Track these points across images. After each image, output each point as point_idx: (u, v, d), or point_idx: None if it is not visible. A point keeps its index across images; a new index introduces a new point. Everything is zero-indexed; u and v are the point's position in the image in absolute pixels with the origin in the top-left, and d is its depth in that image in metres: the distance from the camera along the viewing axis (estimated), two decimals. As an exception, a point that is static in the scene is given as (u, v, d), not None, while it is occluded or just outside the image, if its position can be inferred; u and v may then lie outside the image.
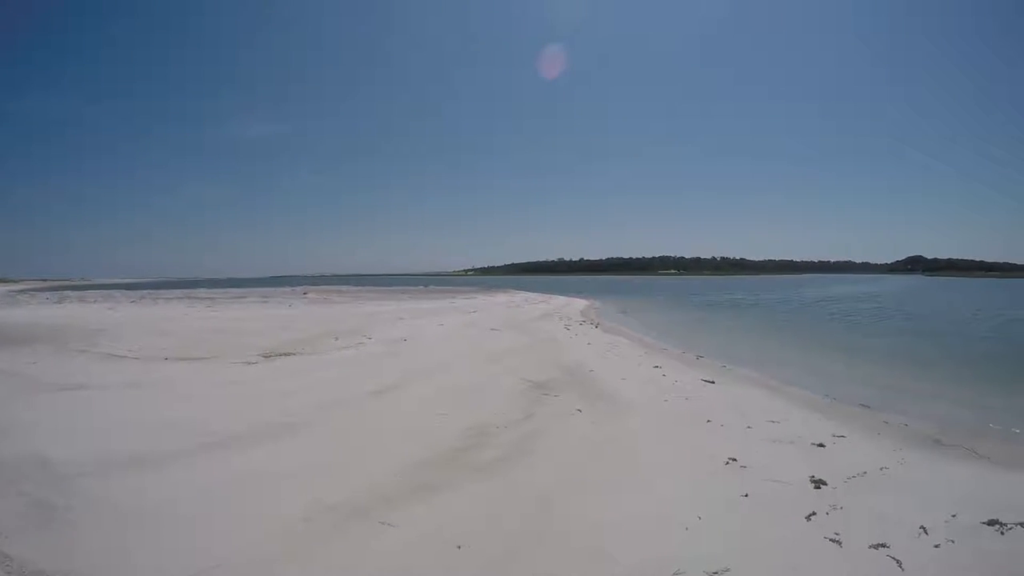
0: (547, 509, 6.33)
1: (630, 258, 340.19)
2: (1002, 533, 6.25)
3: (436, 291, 72.66)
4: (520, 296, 61.57)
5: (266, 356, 16.48)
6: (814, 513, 6.52)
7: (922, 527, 6.25)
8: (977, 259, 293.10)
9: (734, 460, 8.31)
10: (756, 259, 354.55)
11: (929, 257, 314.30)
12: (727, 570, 5.16)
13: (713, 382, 14.79)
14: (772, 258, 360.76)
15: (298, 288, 77.20)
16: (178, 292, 63.33)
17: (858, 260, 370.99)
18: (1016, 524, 6.42)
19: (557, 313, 37.62)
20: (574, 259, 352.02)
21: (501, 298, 56.23)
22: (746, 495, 7.01)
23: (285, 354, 16.81)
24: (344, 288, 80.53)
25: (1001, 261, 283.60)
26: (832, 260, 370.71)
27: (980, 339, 28.14)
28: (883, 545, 5.75)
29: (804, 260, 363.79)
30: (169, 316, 30.14)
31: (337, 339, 20.44)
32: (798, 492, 7.23)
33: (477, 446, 8.54)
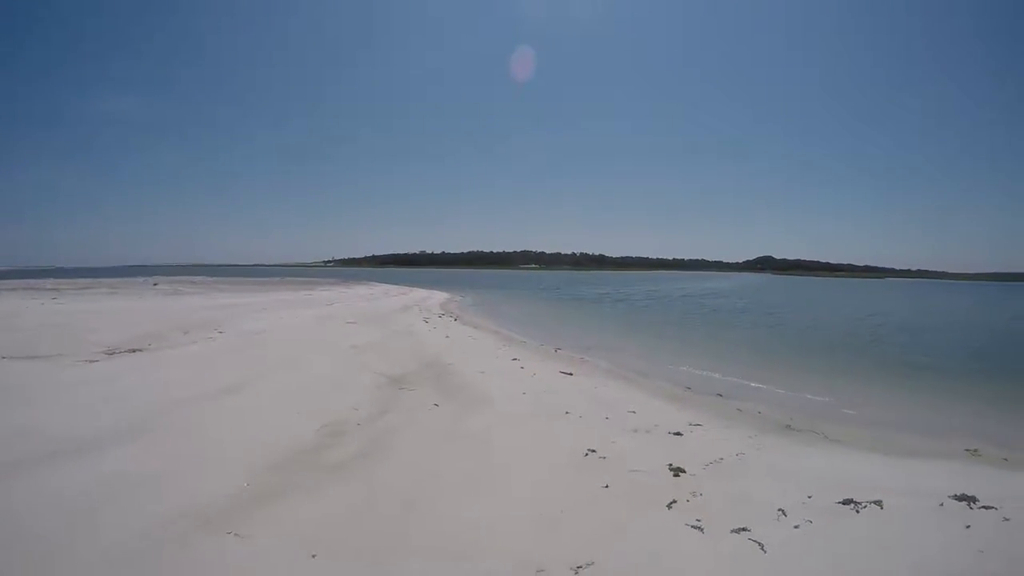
0: (407, 510, 6.09)
1: (492, 252, 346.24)
2: (857, 511, 6.56)
3: (293, 283, 70.31)
4: (380, 288, 61.21)
5: (110, 353, 14.75)
6: (675, 501, 6.56)
7: (781, 510, 6.42)
8: (823, 260, 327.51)
9: (593, 451, 8.28)
10: (615, 255, 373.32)
11: (778, 257, 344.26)
12: (592, 563, 5.01)
13: (571, 374, 15.01)
14: (630, 255, 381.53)
15: (149, 279, 71.20)
16: (19, 283, 55.95)
17: (711, 259, 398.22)
18: (869, 502, 6.79)
19: (416, 306, 37.55)
20: (436, 252, 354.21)
21: (360, 290, 55.51)
22: (607, 486, 6.95)
23: (132, 350, 15.16)
24: (197, 279, 74.97)
25: (845, 263, 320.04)
26: (687, 258, 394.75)
27: (823, 331, 30.86)
28: (744, 529, 5.83)
29: (660, 258, 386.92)
30: (6, 310, 26.53)
31: (187, 333, 18.78)
32: (658, 481, 7.28)
33: (333, 445, 8.20)
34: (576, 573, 4.85)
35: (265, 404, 10.34)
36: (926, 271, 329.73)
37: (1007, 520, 6.47)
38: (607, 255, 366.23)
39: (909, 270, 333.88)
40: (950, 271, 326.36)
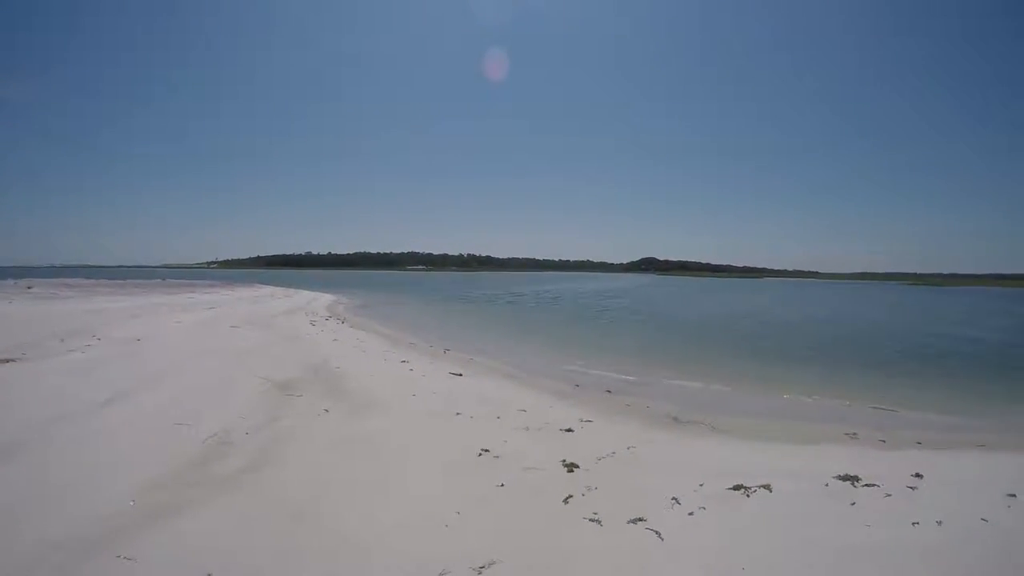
0: (302, 520, 5.88)
1: (379, 253, 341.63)
2: (748, 496, 6.90)
3: (175, 285, 66.48)
4: (265, 291, 59.84)
5: (-23, 365, 13.22)
6: (571, 496, 6.64)
7: (674, 499, 6.64)
8: (704, 261, 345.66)
9: (487, 451, 8.28)
10: (502, 256, 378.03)
11: (661, 259, 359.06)
12: (494, 563, 4.94)
13: (461, 375, 14.96)
14: (517, 256, 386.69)
15: (21, 281, 64.62)
16: None
17: (596, 260, 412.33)
18: (759, 487, 7.16)
19: (303, 308, 37.10)
20: (322, 253, 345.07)
21: (245, 293, 53.97)
22: (502, 485, 6.93)
23: (4, 360, 13.65)
24: (73, 281, 68.95)
25: (725, 264, 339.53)
26: (572, 259, 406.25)
27: (705, 329, 32.46)
28: (641, 519, 5.96)
29: (547, 259, 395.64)
30: None
31: (64, 341, 17.14)
32: (553, 477, 7.36)
33: (221, 456, 7.81)
34: (479, 573, 4.79)
35: (148, 416, 9.63)
36: (800, 271, 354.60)
37: (889, 496, 7.04)
38: (494, 256, 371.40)
39: (785, 270, 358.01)
40: (821, 271, 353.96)
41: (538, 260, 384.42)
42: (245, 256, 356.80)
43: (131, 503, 6.10)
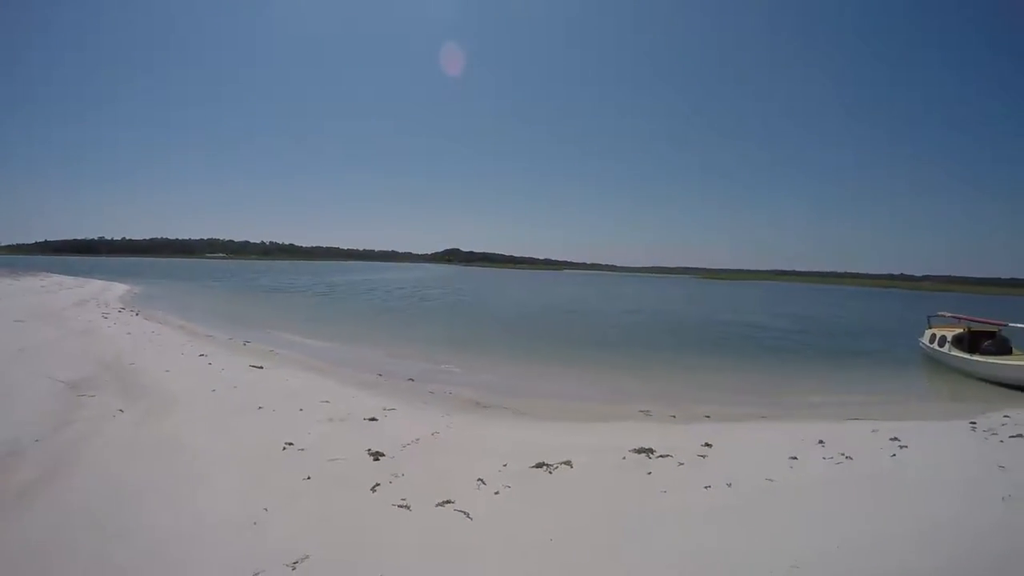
0: (106, 529, 5.39)
1: (176, 239, 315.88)
2: (550, 472, 7.30)
3: None
4: (53, 280, 53.18)
5: None
6: (378, 484, 6.63)
7: (480, 479, 6.86)
8: (507, 253, 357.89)
9: (291, 444, 8.02)
10: (305, 245, 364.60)
11: (465, 250, 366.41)
12: (307, 556, 4.80)
13: (262, 367, 14.38)
14: (321, 244, 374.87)
15: None
16: None
17: (401, 250, 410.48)
18: (560, 463, 7.59)
19: (95, 299, 33.97)
20: (116, 239, 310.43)
21: (30, 282, 47.67)
22: (309, 478, 6.76)
23: None
24: None
25: (527, 256, 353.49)
26: (377, 249, 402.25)
27: (505, 318, 33.85)
28: (449, 502, 6.09)
29: (352, 248, 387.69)
30: None
31: None
32: (359, 467, 7.30)
33: (12, 468, 6.94)
34: (293, 569, 4.63)
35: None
36: (597, 264, 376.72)
37: (682, 464, 7.82)
38: (298, 245, 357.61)
39: (584, 263, 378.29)
40: (616, 264, 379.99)
41: (343, 249, 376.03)
42: (31, 241, 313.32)
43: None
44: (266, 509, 5.78)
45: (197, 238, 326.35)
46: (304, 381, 13.13)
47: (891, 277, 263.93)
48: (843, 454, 8.49)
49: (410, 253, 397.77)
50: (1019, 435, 9.98)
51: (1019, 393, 15.64)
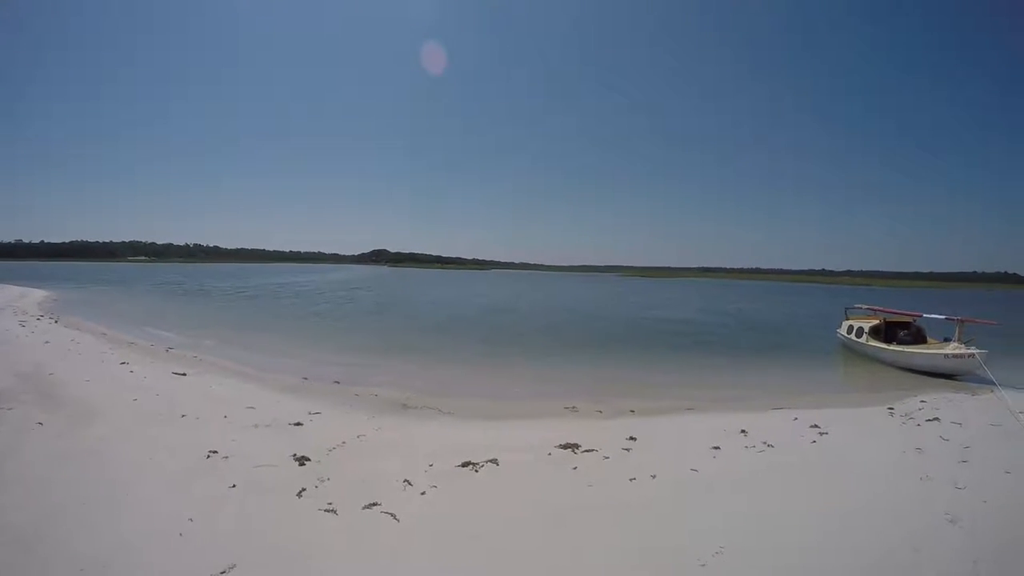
0: (26, 547, 5.21)
1: (97, 242, 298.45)
2: (476, 471, 7.49)
3: None
4: None
5: None
6: (304, 489, 6.65)
7: (406, 480, 6.98)
8: (435, 253, 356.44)
9: (215, 452, 7.93)
10: (230, 247, 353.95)
11: (392, 251, 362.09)
12: (234, 566, 4.79)
13: (185, 374, 14.06)
14: (246, 247, 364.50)
15: None
16: None
17: (328, 251, 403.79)
18: (486, 461, 7.79)
19: (10, 306, 32.63)
20: (35, 242, 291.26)
21: None
22: (234, 486, 6.70)
23: None
24: None
25: (454, 256, 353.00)
26: (304, 251, 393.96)
27: (430, 319, 34.02)
28: (376, 504, 6.17)
29: (277, 250, 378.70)
30: None
31: None
32: (285, 472, 7.29)
33: None
34: None
35: None
36: (526, 264, 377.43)
37: (607, 458, 8.15)
38: (223, 247, 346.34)
39: (512, 263, 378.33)
40: (544, 263, 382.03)
41: (268, 251, 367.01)
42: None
43: None
44: (191, 519, 5.72)
45: (119, 240, 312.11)
46: (228, 387, 12.94)
47: (811, 272, 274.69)
48: (765, 443, 9.04)
49: (337, 254, 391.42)
50: (935, 419, 10.84)
51: (934, 379, 16.65)
